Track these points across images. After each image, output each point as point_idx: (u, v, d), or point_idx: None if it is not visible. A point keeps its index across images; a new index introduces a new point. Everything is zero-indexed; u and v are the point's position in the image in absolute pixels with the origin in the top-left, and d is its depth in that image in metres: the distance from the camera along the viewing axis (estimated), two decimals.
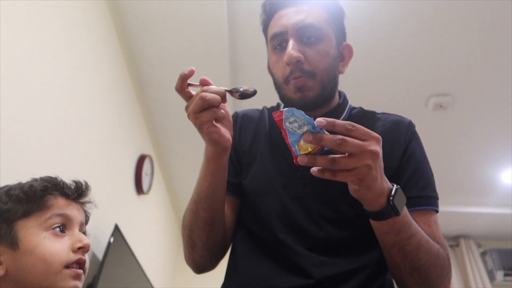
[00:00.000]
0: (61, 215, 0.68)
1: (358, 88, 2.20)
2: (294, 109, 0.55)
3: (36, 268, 0.62)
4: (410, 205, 0.73)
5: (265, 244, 0.78)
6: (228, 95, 0.67)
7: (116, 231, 1.73)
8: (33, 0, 1.21)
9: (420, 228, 0.67)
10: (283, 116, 0.55)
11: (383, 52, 2.06)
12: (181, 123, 2.51)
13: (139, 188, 2.25)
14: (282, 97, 0.84)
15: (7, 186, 0.71)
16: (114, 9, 1.86)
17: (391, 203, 0.59)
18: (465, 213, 3.28)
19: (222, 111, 0.66)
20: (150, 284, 2.38)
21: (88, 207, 0.77)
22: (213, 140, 0.67)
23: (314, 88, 0.78)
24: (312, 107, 0.79)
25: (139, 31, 1.95)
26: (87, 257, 0.70)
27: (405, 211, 0.63)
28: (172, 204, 3.27)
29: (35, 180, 0.71)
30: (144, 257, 2.33)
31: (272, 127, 0.90)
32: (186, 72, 0.67)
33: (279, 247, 0.76)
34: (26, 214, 0.65)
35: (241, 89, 0.68)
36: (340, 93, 0.90)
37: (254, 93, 0.68)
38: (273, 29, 0.82)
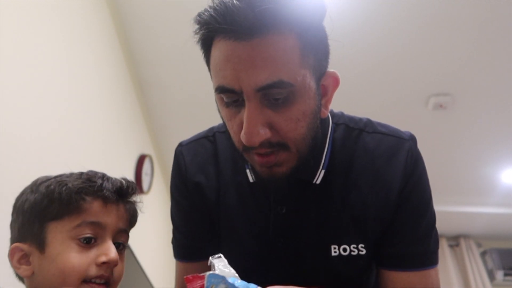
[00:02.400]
0: (92, 223, 0.61)
1: (358, 88, 2.20)
2: (225, 278, 0.36)
3: (55, 278, 0.58)
4: (404, 265, 0.65)
5: None
6: None
7: None
8: (33, 1, 1.21)
9: None
10: (205, 284, 0.36)
11: (383, 52, 2.06)
12: (181, 123, 2.51)
13: (139, 188, 2.25)
14: (244, 160, 0.63)
15: (60, 176, 0.66)
16: (114, 9, 1.86)
17: None
18: (465, 213, 3.28)
19: None
20: (150, 284, 2.38)
21: (135, 206, 0.71)
22: None
23: (287, 162, 0.58)
24: (286, 182, 0.61)
25: (139, 31, 1.95)
26: (117, 270, 0.63)
27: None
28: None
29: (79, 177, 0.64)
30: (144, 257, 2.33)
31: (236, 167, 0.71)
32: None
33: None
34: (58, 217, 0.60)
35: None
36: None
37: None
38: (218, 77, 0.54)
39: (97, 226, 0.61)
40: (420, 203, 0.66)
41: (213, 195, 0.73)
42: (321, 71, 0.59)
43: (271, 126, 0.55)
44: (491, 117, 2.40)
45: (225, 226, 0.73)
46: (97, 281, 0.60)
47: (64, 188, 0.61)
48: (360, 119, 0.71)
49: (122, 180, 0.68)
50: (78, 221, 0.60)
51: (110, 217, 0.63)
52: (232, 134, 0.60)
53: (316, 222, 0.67)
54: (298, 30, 0.53)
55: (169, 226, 0.86)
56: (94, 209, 0.62)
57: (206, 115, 2.35)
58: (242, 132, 0.54)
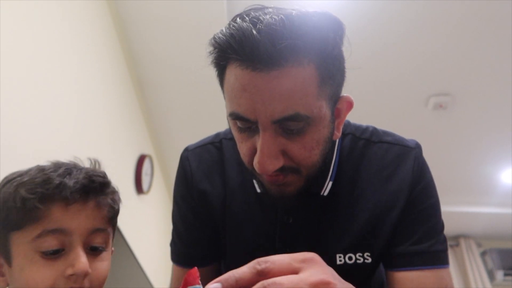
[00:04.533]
0: (54, 230, 0.52)
1: (358, 88, 2.20)
2: None
3: None
4: (413, 263, 0.63)
5: None
6: None
7: (116, 230, 1.73)
8: (34, 1, 1.21)
9: None
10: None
11: (383, 52, 2.06)
12: (181, 123, 2.51)
13: (139, 188, 2.25)
14: (252, 174, 0.63)
15: (10, 178, 0.58)
16: (115, 9, 1.86)
17: None
18: (465, 213, 3.28)
19: None
20: (150, 284, 2.38)
21: (112, 197, 0.61)
22: None
23: (295, 183, 0.59)
24: (292, 201, 0.62)
25: (139, 31, 1.95)
26: (94, 277, 0.56)
27: None
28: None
29: (34, 175, 0.56)
30: (144, 257, 2.33)
31: (243, 176, 0.70)
32: None
33: None
34: (18, 226, 0.53)
35: None
36: None
37: None
38: (233, 103, 0.54)
39: (61, 233, 0.53)
40: (427, 206, 0.65)
41: (218, 203, 0.72)
42: (336, 97, 0.58)
43: (284, 153, 0.55)
44: (491, 117, 2.40)
45: (231, 234, 0.72)
46: None
47: (18, 195, 0.53)
48: (366, 128, 0.71)
49: (89, 171, 0.58)
50: (38, 231, 0.52)
51: (76, 220, 0.54)
52: (242, 155, 0.59)
53: (323, 232, 0.67)
54: (317, 61, 0.52)
55: (169, 226, 0.86)
56: (54, 214, 0.53)
57: (206, 115, 2.36)
58: (256, 160, 0.54)
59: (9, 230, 0.54)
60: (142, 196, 2.34)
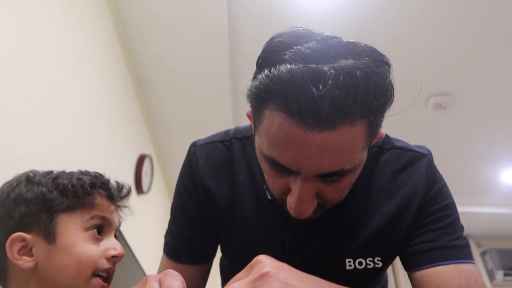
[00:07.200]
0: (102, 217, 0.62)
1: None
2: None
3: (69, 268, 0.57)
4: (437, 257, 0.60)
5: None
6: None
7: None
8: (34, 1, 1.21)
9: None
10: None
11: (383, 52, 2.05)
12: (181, 123, 2.51)
13: (139, 188, 2.25)
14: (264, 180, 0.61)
15: (51, 172, 0.66)
16: (115, 9, 1.86)
17: None
18: (465, 213, 3.28)
19: None
20: None
21: (124, 212, 0.70)
22: None
23: (318, 212, 0.58)
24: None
25: (139, 31, 1.95)
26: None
27: None
28: None
29: (83, 173, 0.66)
30: (144, 257, 2.33)
31: (254, 179, 0.69)
32: None
33: None
34: (70, 209, 0.60)
35: None
36: None
37: None
38: (274, 150, 0.51)
39: (105, 221, 0.62)
40: (443, 205, 0.64)
41: (224, 204, 0.71)
42: (372, 139, 0.56)
43: (317, 194, 0.54)
44: (491, 117, 2.40)
45: (239, 237, 0.71)
46: (104, 275, 0.60)
47: (77, 183, 0.61)
48: None
49: (121, 183, 0.70)
50: (91, 214, 0.61)
51: (113, 215, 0.64)
52: (272, 187, 0.58)
53: (333, 238, 0.67)
54: (370, 117, 0.50)
55: None
56: (103, 204, 0.63)
57: (206, 115, 2.36)
58: (292, 205, 0.53)
59: (57, 211, 0.59)
60: (142, 196, 2.34)
